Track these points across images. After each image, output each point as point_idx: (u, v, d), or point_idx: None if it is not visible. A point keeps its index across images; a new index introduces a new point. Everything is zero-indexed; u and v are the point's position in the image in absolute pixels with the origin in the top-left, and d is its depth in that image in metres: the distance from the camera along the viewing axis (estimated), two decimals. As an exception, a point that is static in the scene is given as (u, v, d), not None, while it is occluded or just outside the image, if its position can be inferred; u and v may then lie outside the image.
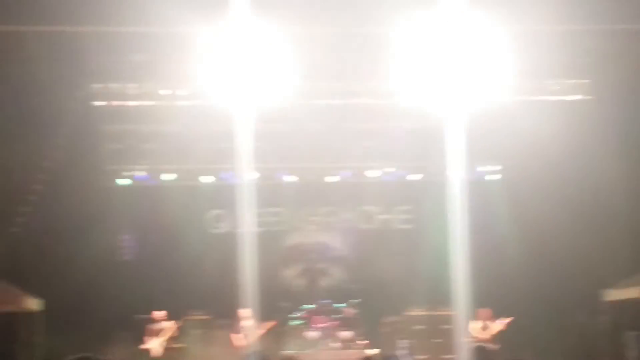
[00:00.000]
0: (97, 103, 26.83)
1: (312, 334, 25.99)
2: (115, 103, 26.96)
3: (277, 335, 25.81)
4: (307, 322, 26.34)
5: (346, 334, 25.98)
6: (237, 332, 23.94)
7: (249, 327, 23.82)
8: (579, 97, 27.04)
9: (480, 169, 28.19)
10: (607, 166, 26.96)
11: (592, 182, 26.89)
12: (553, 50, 26.16)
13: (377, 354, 23.15)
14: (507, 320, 23.92)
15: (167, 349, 24.11)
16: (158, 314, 24.38)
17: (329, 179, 28.30)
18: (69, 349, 21.65)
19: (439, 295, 26.38)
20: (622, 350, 24.46)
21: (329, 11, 22.54)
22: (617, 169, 27.14)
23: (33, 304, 24.58)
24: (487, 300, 24.50)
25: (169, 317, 24.46)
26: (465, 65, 23.08)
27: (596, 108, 26.85)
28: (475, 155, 27.68)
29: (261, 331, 23.76)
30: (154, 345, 24.01)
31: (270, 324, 24.16)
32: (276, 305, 26.40)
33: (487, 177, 28.35)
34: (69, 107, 26.34)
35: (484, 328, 24.07)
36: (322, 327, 26.12)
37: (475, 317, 24.18)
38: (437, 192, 27.46)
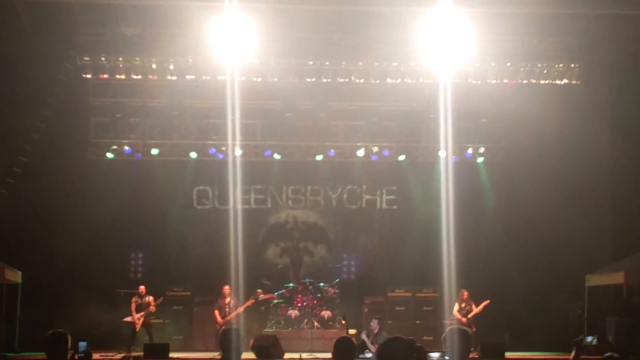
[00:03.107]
0: (86, 76, 26.68)
1: (293, 313, 26.05)
2: (103, 76, 26.82)
3: (258, 312, 25.90)
4: (289, 301, 26.38)
5: (327, 313, 26.05)
6: (218, 308, 24.03)
7: (230, 304, 23.91)
8: (567, 81, 26.98)
9: (467, 150, 28.12)
10: (594, 151, 27.04)
11: (578, 167, 26.94)
12: (542, 34, 26.16)
13: (356, 333, 23.21)
14: (485, 302, 24.00)
15: (148, 324, 24.18)
16: (140, 288, 24.42)
17: (315, 157, 28.17)
18: (50, 320, 21.86)
19: (422, 277, 26.58)
20: (601, 336, 24.50)
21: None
22: (603, 153, 27.24)
23: (14, 276, 24.58)
24: (469, 282, 24.57)
25: (151, 292, 24.47)
26: (454, 47, 23.03)
27: (584, 92, 26.89)
28: (463, 137, 27.77)
29: (242, 308, 23.84)
30: (135, 319, 24.04)
31: (250, 302, 24.22)
32: (259, 282, 26.45)
33: (474, 159, 28.26)
34: (57, 79, 26.28)
35: (462, 310, 24.18)
36: (303, 306, 26.15)
37: (455, 298, 24.31)
38: (423, 173, 27.64)
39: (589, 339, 17.33)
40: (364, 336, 20.78)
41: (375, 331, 20.81)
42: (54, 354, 9.45)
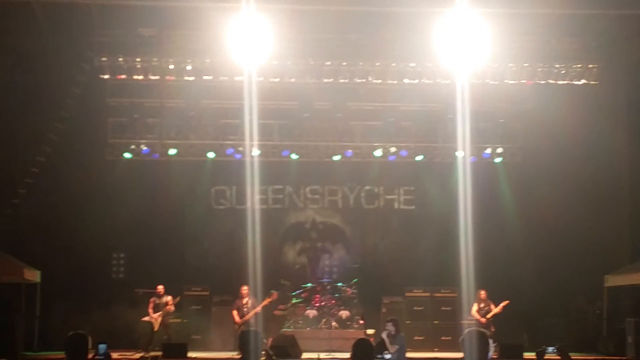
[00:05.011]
0: (103, 76, 26.74)
1: (311, 312, 26.05)
2: (121, 77, 26.88)
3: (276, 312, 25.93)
4: (307, 300, 26.39)
5: (345, 313, 26.04)
6: (236, 308, 24.01)
7: (248, 304, 23.89)
8: (585, 82, 26.88)
9: (485, 151, 28.04)
10: (612, 151, 26.96)
11: (596, 167, 26.90)
12: (560, 34, 26.12)
13: (374, 333, 23.22)
14: (504, 303, 23.93)
15: (166, 323, 24.21)
16: (159, 288, 24.44)
17: (332, 157, 28.13)
18: (69, 320, 21.97)
19: (440, 277, 26.51)
20: (620, 336, 24.42)
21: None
22: (621, 154, 27.14)
23: (33, 275, 24.66)
24: (487, 282, 24.49)
25: (169, 292, 24.50)
26: (472, 48, 22.96)
27: (602, 93, 26.80)
28: (481, 137, 27.69)
29: (259, 307, 23.81)
30: (154, 318, 24.08)
31: (267, 300, 24.18)
32: (277, 282, 26.45)
33: (492, 159, 28.17)
34: (75, 80, 26.36)
35: (481, 310, 24.12)
36: (321, 306, 26.14)
37: (473, 299, 24.25)
38: (440, 173, 27.57)
39: (550, 349, 17.39)
40: (384, 336, 20.72)
41: (393, 333, 20.78)
42: (74, 355, 9.39)
